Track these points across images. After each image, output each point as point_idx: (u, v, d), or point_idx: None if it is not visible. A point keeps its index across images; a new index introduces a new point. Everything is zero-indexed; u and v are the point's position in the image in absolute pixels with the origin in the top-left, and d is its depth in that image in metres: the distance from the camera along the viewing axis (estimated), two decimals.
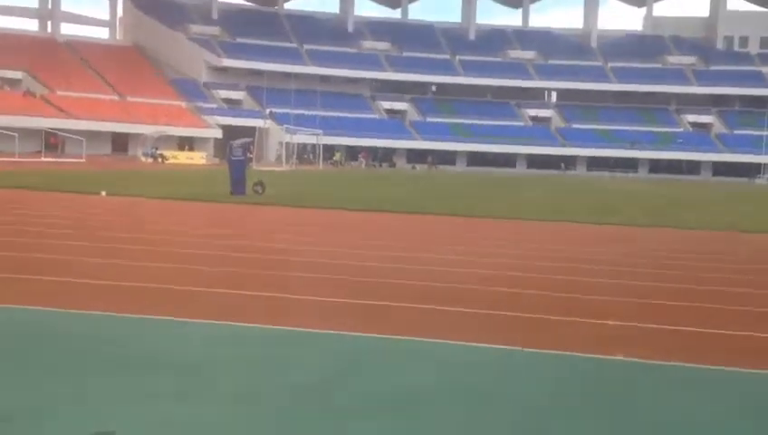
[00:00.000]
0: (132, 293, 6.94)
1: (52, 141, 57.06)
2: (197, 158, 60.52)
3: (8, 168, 33.03)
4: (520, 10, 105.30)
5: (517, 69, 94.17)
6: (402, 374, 4.76)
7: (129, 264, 8.47)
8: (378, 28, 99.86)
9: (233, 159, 20.69)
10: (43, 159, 43.30)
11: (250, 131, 67.63)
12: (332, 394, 4.31)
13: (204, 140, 77.83)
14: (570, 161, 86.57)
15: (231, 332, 5.67)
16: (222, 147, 72.38)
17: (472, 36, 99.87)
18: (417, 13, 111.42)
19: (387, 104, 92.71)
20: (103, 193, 19.11)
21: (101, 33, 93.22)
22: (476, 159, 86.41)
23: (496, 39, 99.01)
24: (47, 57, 78.84)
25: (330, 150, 75.14)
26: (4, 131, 46.41)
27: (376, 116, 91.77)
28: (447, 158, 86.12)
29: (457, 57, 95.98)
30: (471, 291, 7.78)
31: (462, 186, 36.73)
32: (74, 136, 57.25)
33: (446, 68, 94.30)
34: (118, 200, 18.06)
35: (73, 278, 7.46)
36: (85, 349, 5.08)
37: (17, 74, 74.17)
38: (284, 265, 8.86)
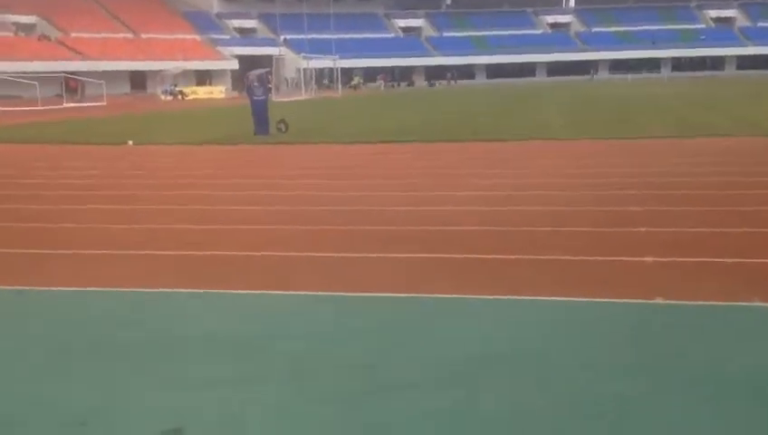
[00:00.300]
0: (176, 262, 7.08)
1: (71, 85, 57.07)
2: (216, 92, 60.37)
3: (32, 118, 33.24)
4: None
5: None
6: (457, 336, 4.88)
7: (169, 228, 8.60)
8: None
9: (254, 98, 20.63)
10: (64, 105, 43.38)
11: (266, 61, 67.18)
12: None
13: (221, 72, 77.49)
14: (592, 66, 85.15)
15: (262, 301, 5.81)
16: (239, 78, 72.12)
17: None
18: None
19: (402, 22, 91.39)
20: (130, 142, 19.21)
21: None
22: (496, 70, 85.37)
23: None
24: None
25: (347, 74, 74.38)
26: (24, 79, 46.47)
27: (391, 35, 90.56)
28: (466, 72, 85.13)
29: None
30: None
31: (483, 103, 36.39)
32: (92, 80, 57.15)
33: None
34: (144, 150, 18.15)
35: (110, 250, 7.54)
36: (129, 332, 5.23)
37: (31, 19, 73.76)
38: (319, 218, 8.96)
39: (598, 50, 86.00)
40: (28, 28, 72.72)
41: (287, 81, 73.84)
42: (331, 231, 8.09)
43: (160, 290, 6.02)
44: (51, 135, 22.82)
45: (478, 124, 22.93)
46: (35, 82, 44.87)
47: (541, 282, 6.00)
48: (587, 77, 79.94)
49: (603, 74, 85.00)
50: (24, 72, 53.65)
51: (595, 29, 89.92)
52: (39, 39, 70.40)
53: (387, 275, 6.33)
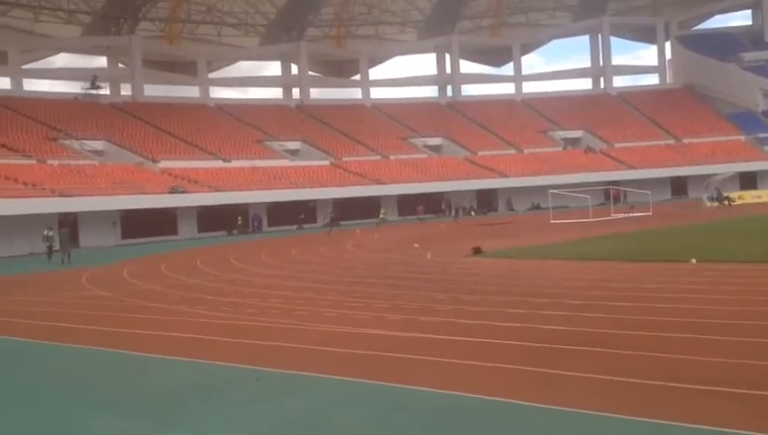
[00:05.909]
0: None
1: (613, 194, 59.00)
2: (766, 196, 56.38)
3: (583, 233, 34.89)
4: None
5: None
6: None
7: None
8: None
9: None
10: (612, 215, 44.78)
11: None
12: None
13: (766, 173, 72.83)
14: None
15: None
16: None
17: None
18: None
19: None
20: (693, 260, 18.65)
21: (651, 80, 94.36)
22: None
23: None
24: (602, 112, 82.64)
25: None
26: (574, 193, 49.42)
27: None
28: None
29: None
30: None
31: None
32: (634, 190, 58.32)
33: None
34: (711, 269, 17.37)
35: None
36: None
37: (577, 133, 79.36)
38: None
39: None
40: (575, 142, 78.11)
41: None
42: None
43: None
44: (609, 250, 23.51)
45: None
46: (587, 196, 47.38)
47: None
48: None
49: None
50: (573, 184, 57.24)
51: None
52: (585, 152, 74.88)
53: None
